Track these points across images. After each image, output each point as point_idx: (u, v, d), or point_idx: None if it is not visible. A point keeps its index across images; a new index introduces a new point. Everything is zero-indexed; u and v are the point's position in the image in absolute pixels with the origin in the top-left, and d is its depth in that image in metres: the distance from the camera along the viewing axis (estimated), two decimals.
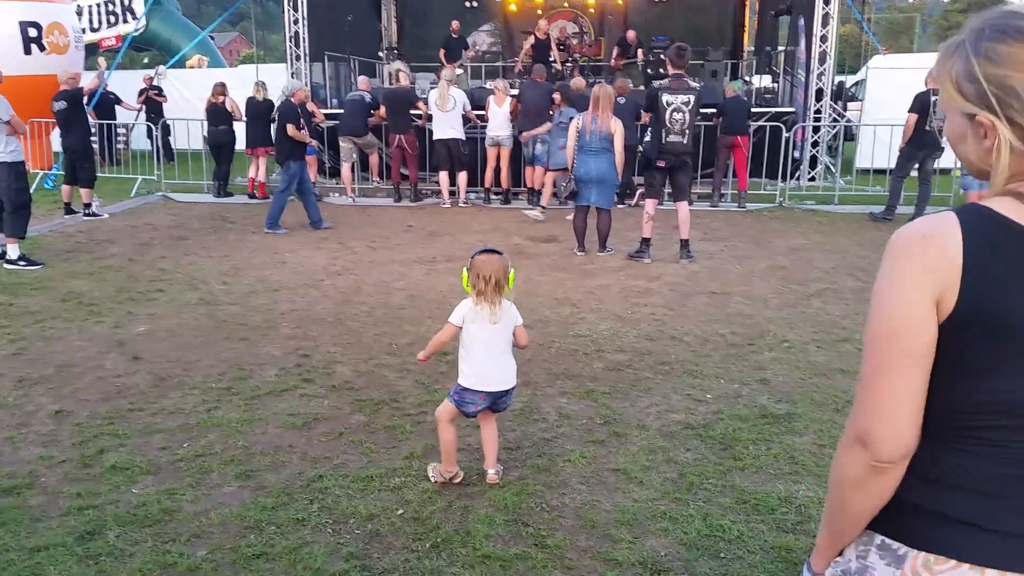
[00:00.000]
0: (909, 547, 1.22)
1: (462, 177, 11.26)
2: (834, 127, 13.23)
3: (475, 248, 3.58)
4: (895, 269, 1.20)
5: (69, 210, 10.36)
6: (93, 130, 11.58)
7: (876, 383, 1.20)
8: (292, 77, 13.47)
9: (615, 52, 15.43)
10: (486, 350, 3.41)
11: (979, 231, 1.16)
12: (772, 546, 3.01)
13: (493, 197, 11.54)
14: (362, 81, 11.76)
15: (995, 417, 1.17)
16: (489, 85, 12.05)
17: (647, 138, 8.11)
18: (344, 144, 11.43)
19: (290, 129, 9.34)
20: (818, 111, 12.54)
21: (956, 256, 1.16)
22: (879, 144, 11.49)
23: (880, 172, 11.71)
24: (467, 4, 17.99)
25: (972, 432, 1.19)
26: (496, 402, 3.49)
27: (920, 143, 9.58)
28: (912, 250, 1.19)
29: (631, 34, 15.52)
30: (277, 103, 11.14)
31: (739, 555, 2.96)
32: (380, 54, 17.22)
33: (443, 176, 11.24)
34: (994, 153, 1.18)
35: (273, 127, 10.32)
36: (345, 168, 11.68)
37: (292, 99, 9.75)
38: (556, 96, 10.58)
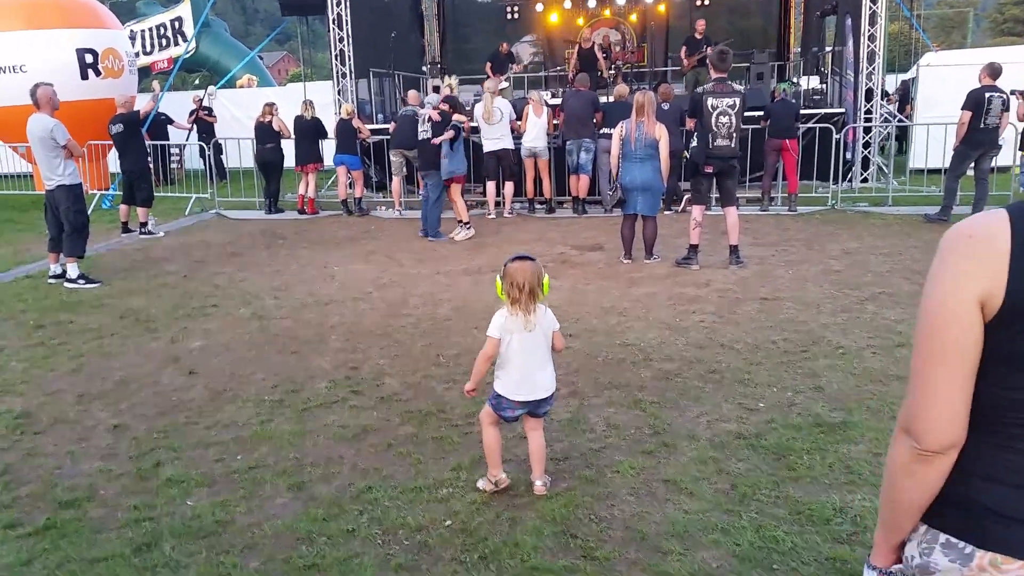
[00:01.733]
0: (976, 546, 1.23)
1: (508, 188, 11.29)
2: (886, 127, 12.94)
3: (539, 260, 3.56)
4: (941, 267, 1.24)
5: (126, 229, 10.66)
6: (148, 151, 11.92)
7: (921, 376, 1.25)
8: (339, 94, 13.70)
9: (683, 51, 14.68)
10: (523, 359, 3.38)
11: None
12: (827, 557, 2.93)
13: (537, 207, 11.55)
14: (412, 96, 11.88)
15: None
16: (526, 97, 12.06)
17: (693, 143, 8.03)
18: (395, 158, 11.56)
19: (458, 117, 9.64)
20: (868, 111, 12.29)
21: (1004, 252, 1.17)
22: (933, 143, 11.20)
23: (935, 172, 11.41)
24: (508, 17, 18.11)
25: (1020, 428, 1.20)
26: (537, 408, 3.47)
27: (975, 142, 9.32)
28: (958, 249, 1.22)
29: (700, 24, 14.56)
30: (336, 119, 11.43)
31: (793, 567, 2.89)
32: (423, 69, 17.40)
33: (490, 187, 11.28)
34: None
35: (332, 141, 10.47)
36: (395, 181, 11.80)
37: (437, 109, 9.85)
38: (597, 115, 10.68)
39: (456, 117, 9.76)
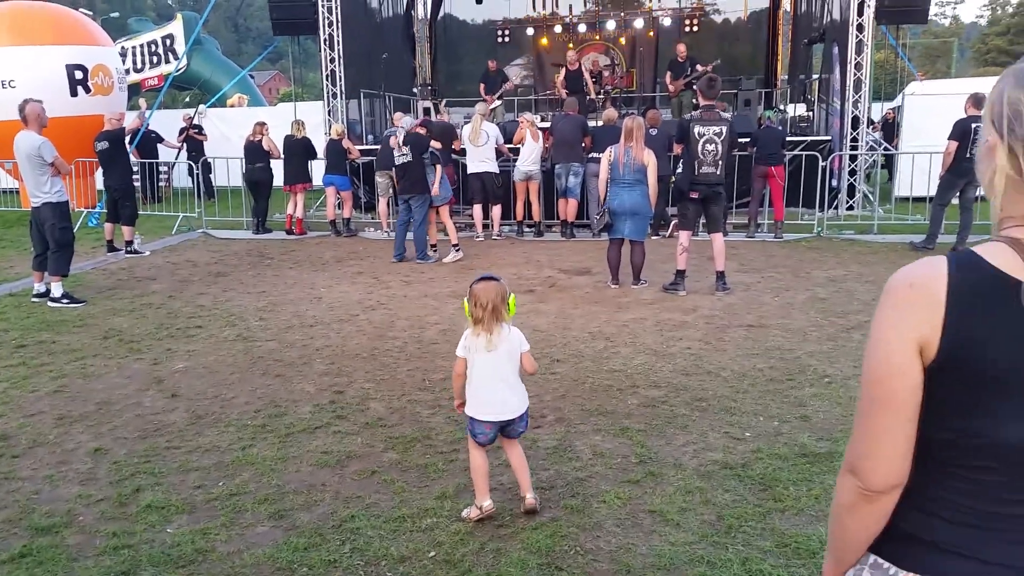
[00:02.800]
0: (899, 568, 1.30)
1: (496, 210, 11.31)
2: (871, 155, 13.07)
3: (507, 281, 3.58)
4: (883, 314, 1.28)
5: (111, 247, 10.60)
6: (135, 169, 11.88)
7: (865, 420, 1.28)
8: (329, 115, 13.73)
9: (668, 77, 14.71)
10: (484, 378, 3.42)
11: (965, 280, 1.21)
12: None
13: (526, 230, 11.57)
14: (398, 117, 11.92)
15: (975, 456, 1.23)
16: (519, 118, 12.11)
17: (680, 169, 8.08)
18: (381, 179, 11.56)
19: (434, 143, 9.59)
20: (855, 139, 12.41)
21: (940, 302, 1.21)
22: (918, 172, 11.31)
23: (920, 200, 11.51)
24: (499, 40, 18.24)
25: (957, 468, 1.26)
26: (507, 429, 3.48)
27: (961, 171, 9.41)
28: (898, 297, 1.26)
29: (681, 48, 14.62)
30: (326, 139, 11.41)
31: None
32: (414, 90, 17.48)
33: (477, 209, 11.30)
34: (994, 178, 1.24)
35: (322, 162, 10.42)
36: (381, 203, 11.80)
37: (414, 131, 9.81)
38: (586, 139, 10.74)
39: (434, 144, 9.74)
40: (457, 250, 9.82)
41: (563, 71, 15.03)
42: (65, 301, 7.65)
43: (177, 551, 3.29)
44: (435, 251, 9.93)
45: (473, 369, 3.43)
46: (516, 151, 11.35)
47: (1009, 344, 1.17)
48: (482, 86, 15.40)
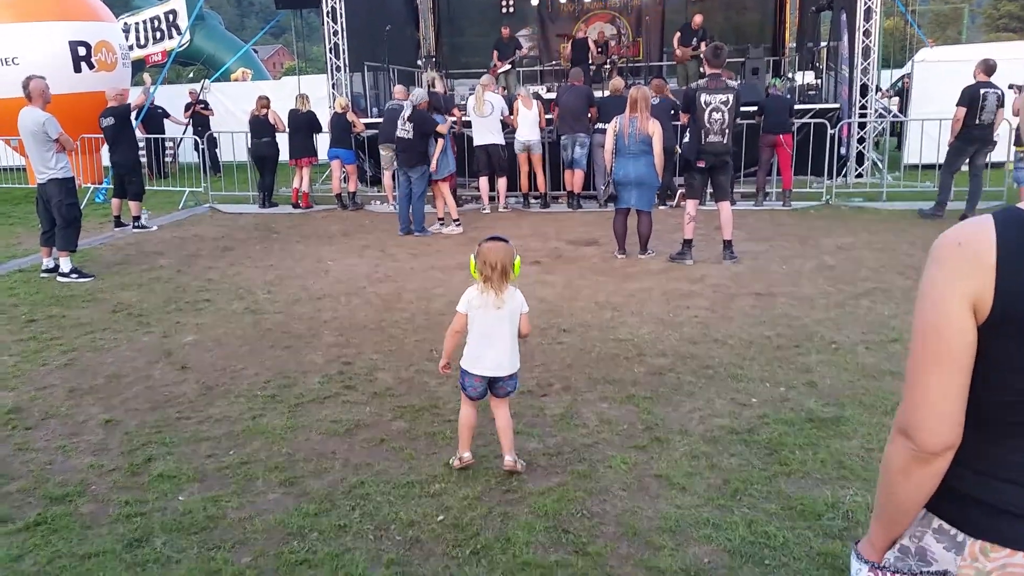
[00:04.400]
0: (967, 535, 1.28)
1: (502, 182, 11.27)
2: (880, 122, 12.95)
3: (512, 243, 3.62)
4: (933, 275, 1.28)
5: (119, 223, 10.63)
6: (141, 145, 11.88)
7: (917, 381, 1.28)
8: (333, 88, 13.66)
9: (676, 38, 14.51)
10: (483, 334, 3.53)
11: (1013, 235, 1.22)
12: (818, 553, 2.94)
13: (532, 201, 11.54)
14: (399, 90, 11.85)
15: None
16: (521, 90, 12.03)
17: (686, 139, 8.03)
18: (384, 152, 11.52)
19: (442, 128, 9.50)
20: (863, 107, 12.29)
21: (990, 260, 1.21)
22: (927, 139, 11.21)
23: (929, 168, 11.42)
24: (503, 11, 18.05)
25: (1015, 426, 1.25)
26: (494, 387, 3.59)
27: (969, 138, 9.33)
28: (947, 257, 1.27)
29: (698, 18, 14.41)
30: (330, 112, 11.34)
31: (784, 562, 2.90)
32: (419, 63, 17.36)
33: (483, 182, 11.27)
34: None
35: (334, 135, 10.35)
36: (386, 176, 11.76)
37: (420, 107, 9.70)
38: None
39: (440, 126, 9.63)
40: (457, 224, 9.82)
41: (569, 42, 14.91)
42: (74, 276, 7.69)
43: (189, 518, 3.34)
44: (457, 223, 9.90)
45: (473, 325, 3.54)
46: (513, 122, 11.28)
47: None
48: (495, 53, 15.28)
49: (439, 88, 11.91)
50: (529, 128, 11.01)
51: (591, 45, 14.55)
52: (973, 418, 1.26)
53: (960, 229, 1.28)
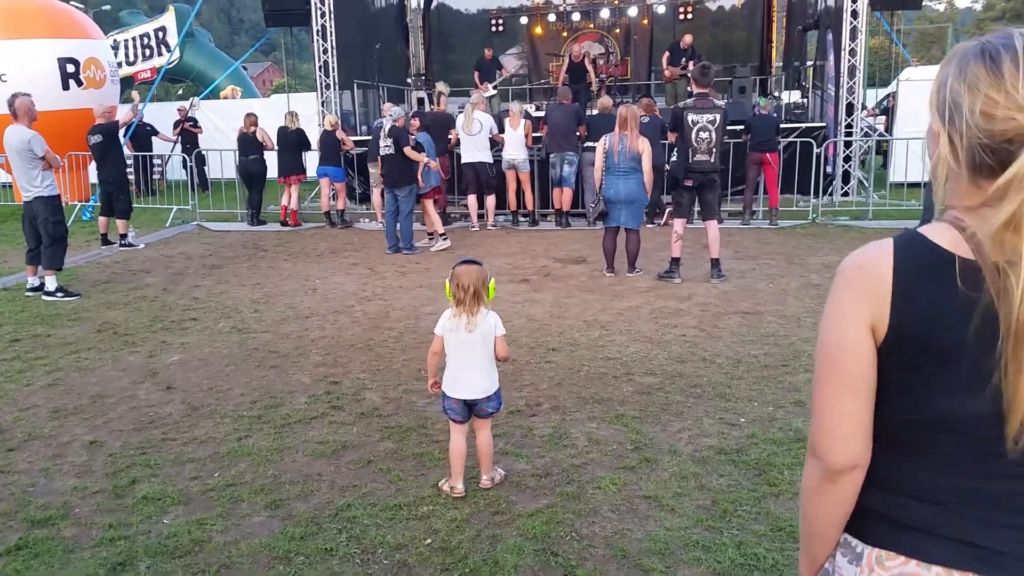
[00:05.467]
0: (867, 544, 1.31)
1: (490, 200, 11.29)
2: (866, 141, 13.06)
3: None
4: (836, 298, 1.30)
5: (106, 241, 10.56)
6: (129, 162, 11.84)
7: (820, 402, 1.31)
8: (322, 106, 13.68)
9: (665, 57, 14.59)
10: (458, 357, 3.55)
11: (911, 259, 1.24)
12: None
13: (521, 219, 11.55)
14: (387, 108, 11.88)
15: (932, 432, 1.24)
16: (509, 108, 12.07)
17: (674, 157, 8.07)
18: (373, 170, 11.53)
19: (408, 151, 9.42)
20: (849, 126, 12.40)
21: (887, 283, 1.23)
22: (913, 157, 11.31)
23: (915, 186, 11.52)
24: (493, 29, 18.17)
25: (915, 445, 1.27)
26: (475, 408, 3.60)
27: None
28: (848, 279, 1.29)
29: (687, 39, 14.47)
30: (320, 130, 11.28)
31: None
32: (408, 80, 17.41)
33: (471, 199, 11.28)
34: (937, 167, 1.26)
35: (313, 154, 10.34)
36: (375, 194, 11.76)
37: (398, 124, 9.69)
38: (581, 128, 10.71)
39: (413, 155, 9.59)
40: (444, 238, 9.84)
41: (566, 61, 14.96)
42: (60, 295, 7.63)
43: (174, 542, 3.30)
44: (445, 238, 9.91)
45: (449, 348, 3.56)
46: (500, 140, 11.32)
47: (953, 318, 1.18)
48: (476, 74, 15.33)
49: (442, 104, 11.95)
50: (515, 146, 11.04)
51: (588, 66, 14.60)
52: (880, 437, 1.29)
53: (862, 252, 1.30)
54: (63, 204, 8.13)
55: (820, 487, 1.33)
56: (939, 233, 1.24)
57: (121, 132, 10.84)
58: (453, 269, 3.55)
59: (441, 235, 9.90)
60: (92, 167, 11.36)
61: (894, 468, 1.30)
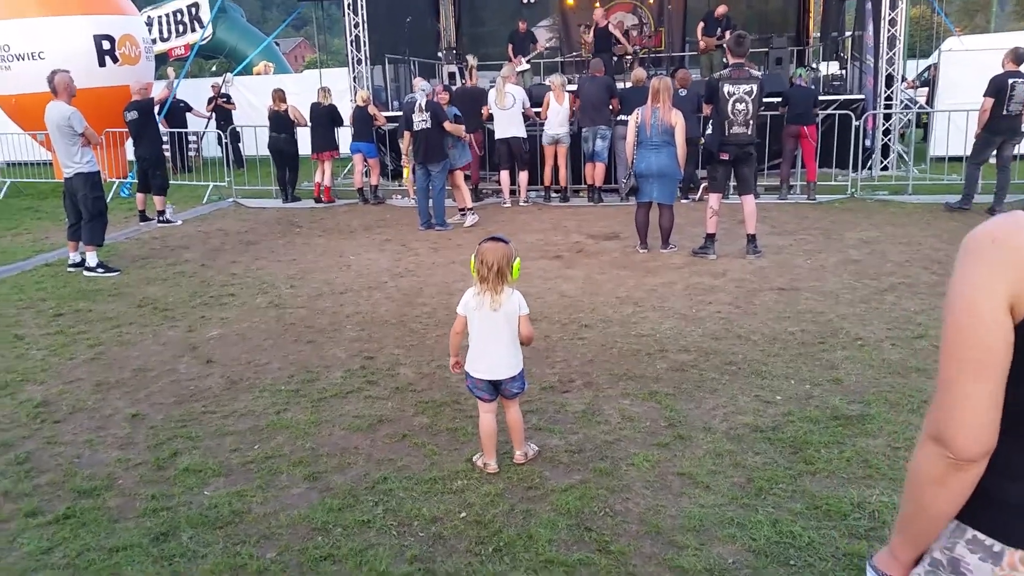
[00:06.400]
0: (1005, 544, 1.23)
1: (523, 176, 11.24)
2: (906, 114, 12.78)
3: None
4: (966, 273, 1.22)
5: (144, 217, 10.72)
6: (164, 139, 11.96)
7: (952, 384, 1.21)
8: (354, 81, 13.68)
9: (700, 28, 14.39)
10: (481, 336, 3.53)
11: None
12: (844, 553, 2.91)
13: (553, 195, 11.50)
14: (418, 82, 11.85)
15: None
16: (547, 82, 11.95)
17: (709, 130, 7.95)
18: (404, 145, 11.52)
19: (447, 125, 9.47)
20: (888, 98, 12.13)
21: None
22: (954, 130, 11.04)
23: (956, 160, 11.26)
24: (524, 1, 17.98)
25: None
26: (500, 388, 3.59)
27: (997, 129, 9.17)
28: (982, 253, 1.21)
29: (722, 8, 14.25)
30: (352, 106, 11.28)
31: (810, 562, 2.88)
32: (439, 54, 17.33)
33: (504, 175, 11.24)
34: None
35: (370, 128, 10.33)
36: (407, 170, 11.78)
37: (436, 99, 9.73)
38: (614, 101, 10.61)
39: (454, 129, 9.63)
40: (473, 213, 9.85)
41: (591, 31, 14.79)
42: (100, 270, 7.77)
43: (215, 512, 3.37)
44: (473, 213, 9.94)
45: (472, 326, 3.54)
46: (542, 115, 11.22)
47: None
48: (510, 47, 15.21)
49: (473, 78, 11.91)
50: (560, 122, 10.93)
51: (615, 32, 14.39)
52: (1009, 421, 1.21)
53: (994, 225, 1.23)
54: (102, 180, 8.25)
55: (945, 478, 1.24)
56: None
57: (156, 109, 10.94)
58: (479, 246, 3.52)
59: (470, 210, 9.91)
60: (129, 143, 11.50)
61: None
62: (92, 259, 7.83)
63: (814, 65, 16.51)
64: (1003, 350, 1.18)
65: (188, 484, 3.64)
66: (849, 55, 14.60)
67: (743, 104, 7.40)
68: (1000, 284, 1.18)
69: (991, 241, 1.21)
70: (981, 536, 1.27)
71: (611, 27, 14.56)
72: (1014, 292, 1.17)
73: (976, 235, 1.23)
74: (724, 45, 8.43)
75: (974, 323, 1.20)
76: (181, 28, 21.60)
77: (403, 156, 11.54)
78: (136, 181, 11.07)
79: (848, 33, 15.29)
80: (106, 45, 14.29)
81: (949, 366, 1.23)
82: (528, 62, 15.12)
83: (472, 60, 12.62)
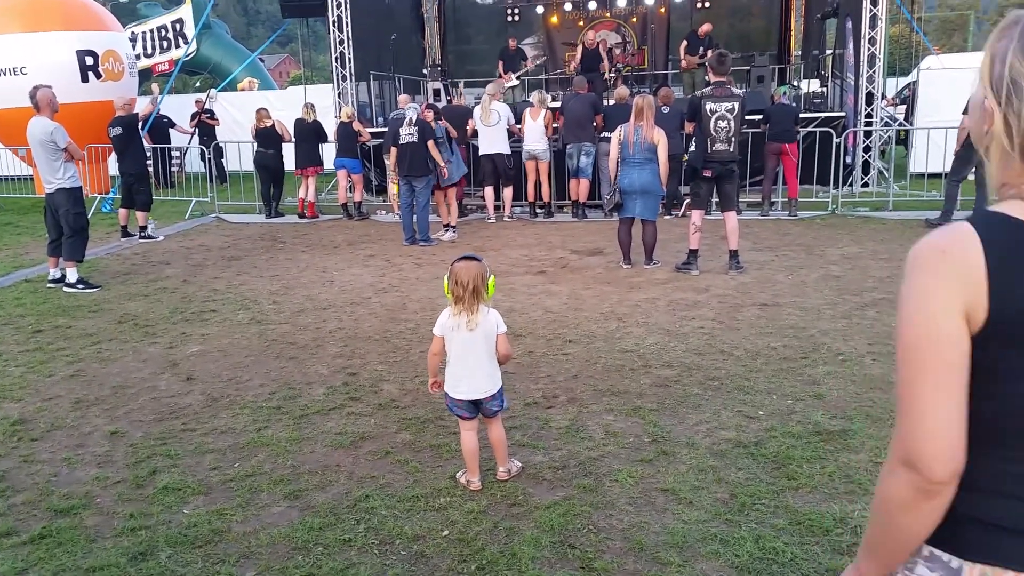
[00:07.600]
0: (963, 559, 1.19)
1: (507, 192, 11.28)
2: (886, 131, 12.93)
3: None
4: (918, 288, 1.18)
5: (126, 233, 10.65)
6: (148, 154, 11.89)
7: (917, 402, 1.16)
8: (339, 97, 13.70)
9: (683, 46, 14.47)
10: (460, 357, 3.51)
11: (998, 237, 1.15)
12: (827, 569, 2.91)
13: (538, 211, 11.53)
14: (403, 99, 11.89)
15: None
16: (530, 98, 12.04)
17: (692, 147, 8.02)
18: (388, 161, 11.53)
19: (431, 146, 9.47)
20: (869, 115, 12.27)
21: (979, 265, 1.14)
22: (934, 147, 11.18)
23: (935, 176, 11.39)
24: (509, 19, 18.11)
25: (1016, 438, 1.17)
26: (481, 408, 3.57)
27: (975, 146, 9.28)
28: (933, 267, 1.17)
29: (705, 27, 14.37)
30: (336, 122, 11.29)
31: None
32: (424, 71, 17.40)
33: (488, 191, 11.27)
34: (990, 145, 1.18)
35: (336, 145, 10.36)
36: (391, 186, 11.78)
37: (423, 117, 9.74)
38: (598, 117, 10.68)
39: (449, 130, 9.72)
40: (454, 230, 9.90)
41: (579, 50, 14.90)
42: (80, 286, 7.70)
43: (194, 531, 3.33)
44: (454, 229, 9.98)
45: (450, 347, 3.52)
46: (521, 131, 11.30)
47: None
48: (500, 64, 15.29)
49: (461, 98, 12.04)
50: (535, 138, 11.00)
51: (602, 54, 14.50)
52: (972, 434, 1.17)
53: (940, 236, 1.19)
54: (84, 196, 8.19)
55: (916, 503, 1.18)
56: (1016, 210, 1.16)
57: (140, 124, 10.89)
58: (451, 266, 3.48)
59: (452, 227, 9.94)
60: (112, 159, 11.43)
61: (992, 465, 1.18)
62: (72, 275, 7.76)
63: (795, 83, 16.69)
64: (964, 365, 1.15)
65: (167, 502, 3.59)
66: (830, 73, 14.77)
67: (725, 122, 7.47)
68: (955, 297, 1.14)
69: (941, 252, 1.17)
70: (938, 552, 1.23)
71: (601, 50, 14.66)
72: (968, 303, 1.14)
73: (923, 248, 1.20)
74: (706, 63, 8.50)
75: (932, 336, 1.15)
76: (165, 44, 21.61)
77: (389, 172, 11.57)
78: (119, 196, 10.99)
79: (829, 51, 15.48)
80: (89, 61, 14.26)
81: (911, 383, 1.17)
82: (518, 79, 15.20)
83: (461, 86, 12.74)
